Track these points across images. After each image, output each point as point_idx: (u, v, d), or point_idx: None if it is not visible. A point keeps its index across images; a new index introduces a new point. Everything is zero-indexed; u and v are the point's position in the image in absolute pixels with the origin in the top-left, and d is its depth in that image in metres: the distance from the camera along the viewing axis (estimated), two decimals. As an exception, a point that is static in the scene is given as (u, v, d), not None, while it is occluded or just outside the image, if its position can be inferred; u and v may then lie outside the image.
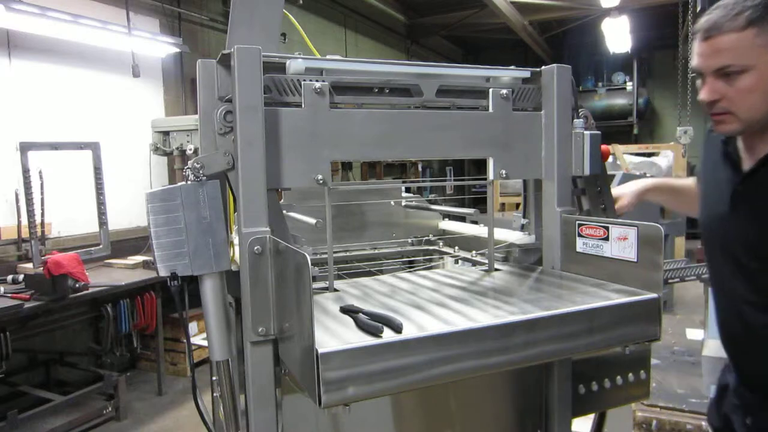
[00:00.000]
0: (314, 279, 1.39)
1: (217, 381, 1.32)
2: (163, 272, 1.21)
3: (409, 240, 2.12)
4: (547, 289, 1.38)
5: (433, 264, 2.02)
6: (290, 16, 1.58)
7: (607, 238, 1.38)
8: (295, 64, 1.26)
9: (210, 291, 1.25)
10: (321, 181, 1.29)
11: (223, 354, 1.28)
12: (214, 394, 1.69)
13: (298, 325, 1.03)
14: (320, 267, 1.52)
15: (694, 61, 1.37)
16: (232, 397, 1.32)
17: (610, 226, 1.38)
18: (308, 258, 0.96)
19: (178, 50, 5.31)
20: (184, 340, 3.85)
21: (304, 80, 1.28)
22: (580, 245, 1.46)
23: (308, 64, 1.28)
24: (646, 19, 10.35)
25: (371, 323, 1.06)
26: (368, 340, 1.01)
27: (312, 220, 1.53)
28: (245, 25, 1.35)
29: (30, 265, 3.93)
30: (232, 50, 1.17)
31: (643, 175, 5.88)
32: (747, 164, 1.41)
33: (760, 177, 1.36)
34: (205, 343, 1.31)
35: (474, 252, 1.81)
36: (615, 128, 11.47)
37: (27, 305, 3.42)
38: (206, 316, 1.27)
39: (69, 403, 3.81)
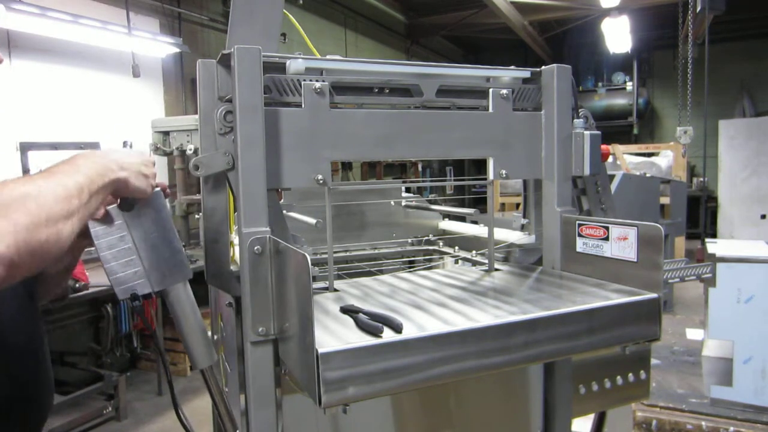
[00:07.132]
0: (314, 279, 1.39)
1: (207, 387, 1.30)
2: (122, 296, 1.15)
3: (409, 240, 2.11)
4: (547, 289, 1.37)
5: (433, 264, 2.01)
6: (290, 16, 1.58)
7: (607, 238, 1.38)
8: (295, 64, 1.26)
9: (176, 303, 1.20)
10: (321, 181, 1.29)
11: (206, 361, 1.25)
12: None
13: (298, 325, 1.03)
14: (320, 267, 1.52)
15: None
16: (223, 400, 1.31)
17: (610, 226, 1.38)
18: (308, 258, 0.96)
19: (178, 50, 5.31)
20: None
21: (304, 80, 1.28)
22: (580, 245, 1.46)
23: (308, 64, 1.28)
24: (646, 19, 10.36)
25: (371, 323, 1.06)
26: (368, 340, 1.01)
27: (312, 220, 1.53)
28: (245, 25, 1.35)
29: (30, 265, 3.92)
30: (232, 50, 1.17)
31: (644, 175, 5.88)
32: None
33: None
34: (204, 342, 1.29)
35: (474, 252, 1.81)
36: (615, 128, 11.48)
37: (27, 305, 3.41)
38: (179, 328, 1.22)
39: (69, 403, 3.81)
